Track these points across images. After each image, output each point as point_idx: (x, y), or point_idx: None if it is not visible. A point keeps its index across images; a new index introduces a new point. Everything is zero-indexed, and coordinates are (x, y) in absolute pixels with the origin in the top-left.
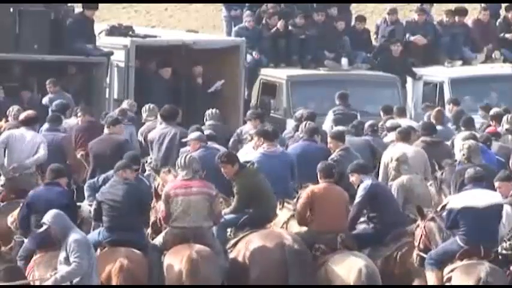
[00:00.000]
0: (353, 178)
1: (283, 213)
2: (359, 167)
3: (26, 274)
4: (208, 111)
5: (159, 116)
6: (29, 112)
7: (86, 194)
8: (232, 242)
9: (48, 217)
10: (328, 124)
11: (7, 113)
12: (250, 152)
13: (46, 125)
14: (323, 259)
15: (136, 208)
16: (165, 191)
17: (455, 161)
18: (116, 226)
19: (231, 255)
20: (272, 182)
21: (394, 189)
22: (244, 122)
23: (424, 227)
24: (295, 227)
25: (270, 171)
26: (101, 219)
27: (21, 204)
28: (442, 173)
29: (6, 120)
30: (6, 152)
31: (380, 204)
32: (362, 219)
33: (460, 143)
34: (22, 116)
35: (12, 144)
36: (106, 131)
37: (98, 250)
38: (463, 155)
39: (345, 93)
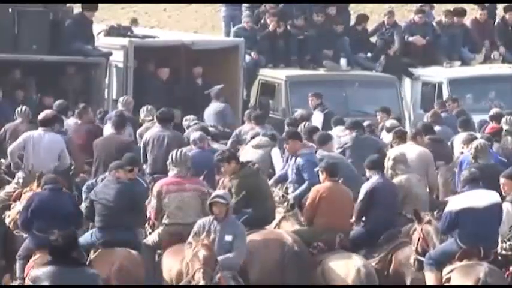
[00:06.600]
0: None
1: None
2: (369, 163)
3: (25, 274)
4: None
5: (155, 117)
6: (47, 112)
7: (84, 196)
8: None
9: None
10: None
11: (15, 112)
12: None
13: None
14: (320, 258)
15: (128, 207)
16: (156, 188)
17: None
18: (108, 226)
19: None
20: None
21: None
22: (243, 122)
23: (422, 230)
24: (286, 229)
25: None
26: (93, 218)
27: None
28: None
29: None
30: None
31: (373, 204)
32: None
33: (469, 144)
34: (40, 117)
35: (33, 146)
36: (112, 130)
37: (92, 252)
38: (471, 154)
39: (319, 93)
